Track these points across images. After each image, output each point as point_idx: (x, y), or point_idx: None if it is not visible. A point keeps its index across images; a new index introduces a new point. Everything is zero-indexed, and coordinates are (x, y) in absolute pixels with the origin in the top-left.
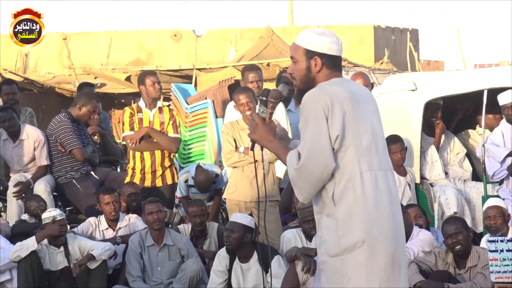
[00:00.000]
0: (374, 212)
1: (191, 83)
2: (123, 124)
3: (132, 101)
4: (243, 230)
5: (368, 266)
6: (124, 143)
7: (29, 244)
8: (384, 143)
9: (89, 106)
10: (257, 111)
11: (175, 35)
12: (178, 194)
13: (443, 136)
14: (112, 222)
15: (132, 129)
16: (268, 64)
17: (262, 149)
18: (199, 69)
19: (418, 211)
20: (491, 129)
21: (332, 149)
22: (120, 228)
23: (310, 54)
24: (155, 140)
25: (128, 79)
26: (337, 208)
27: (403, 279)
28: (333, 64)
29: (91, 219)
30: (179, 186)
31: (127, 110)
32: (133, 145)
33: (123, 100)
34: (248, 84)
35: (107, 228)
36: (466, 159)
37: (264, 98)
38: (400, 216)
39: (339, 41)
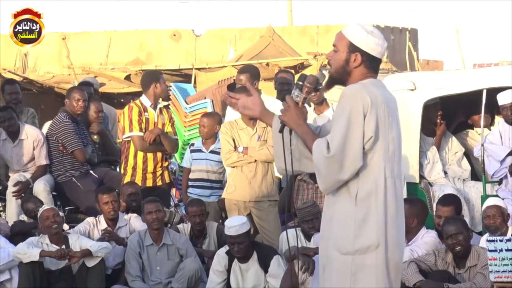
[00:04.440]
0: (391, 219)
1: (190, 82)
2: (130, 122)
3: (131, 100)
4: (247, 237)
5: (378, 270)
6: (128, 140)
7: (32, 254)
8: (401, 151)
9: (71, 97)
10: (292, 94)
11: (174, 35)
12: (184, 164)
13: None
14: (111, 222)
15: (141, 129)
16: (267, 64)
17: (290, 133)
18: (198, 69)
19: (452, 212)
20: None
21: (363, 148)
22: (119, 227)
23: (352, 48)
24: (163, 142)
25: (127, 78)
26: (357, 208)
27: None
28: (371, 64)
29: (89, 219)
30: (185, 156)
31: (135, 108)
32: (143, 146)
33: (122, 100)
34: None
35: (106, 228)
36: (465, 158)
37: (300, 83)
38: (404, 224)
39: (385, 45)
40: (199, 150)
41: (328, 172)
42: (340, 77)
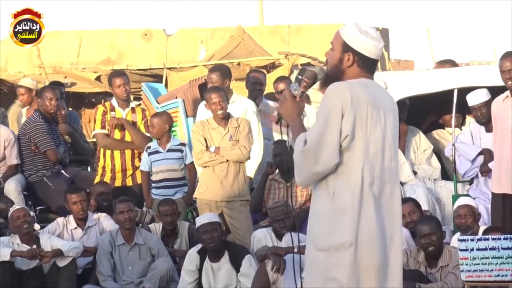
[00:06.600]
0: (366, 219)
1: (161, 82)
2: (94, 122)
3: (103, 100)
4: (219, 227)
5: (350, 269)
6: (94, 140)
7: (3, 254)
8: (395, 154)
9: (44, 96)
10: (290, 87)
11: (145, 34)
12: (141, 167)
13: (408, 134)
14: (81, 222)
15: (103, 127)
16: (238, 64)
17: (287, 126)
18: (169, 68)
19: (413, 207)
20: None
21: (340, 146)
22: (88, 227)
23: (346, 48)
24: (128, 133)
25: (98, 79)
26: (334, 205)
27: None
28: (365, 64)
29: (59, 219)
30: (143, 159)
31: (100, 108)
32: (104, 142)
33: (93, 99)
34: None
35: (75, 228)
36: (434, 156)
37: (299, 77)
38: (395, 228)
39: (379, 45)
40: (157, 152)
41: (303, 165)
42: (335, 75)
